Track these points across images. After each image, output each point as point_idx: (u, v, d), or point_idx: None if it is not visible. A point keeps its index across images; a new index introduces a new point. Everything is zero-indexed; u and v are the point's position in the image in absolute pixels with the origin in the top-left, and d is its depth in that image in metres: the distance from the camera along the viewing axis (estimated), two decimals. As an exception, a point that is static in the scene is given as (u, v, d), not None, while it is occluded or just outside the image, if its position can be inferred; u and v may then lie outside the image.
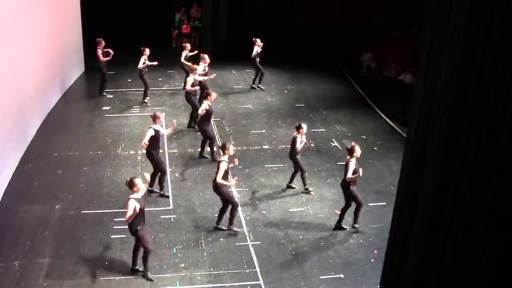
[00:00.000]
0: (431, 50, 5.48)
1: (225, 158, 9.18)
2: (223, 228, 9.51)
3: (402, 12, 20.77)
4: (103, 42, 15.43)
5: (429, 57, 5.50)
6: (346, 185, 9.34)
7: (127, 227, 8.44)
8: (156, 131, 10.28)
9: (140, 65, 14.67)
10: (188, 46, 16.18)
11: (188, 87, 13.17)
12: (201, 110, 11.67)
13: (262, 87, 16.86)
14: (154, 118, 10.39)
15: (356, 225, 9.61)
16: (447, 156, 5.06)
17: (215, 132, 13.07)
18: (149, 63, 14.79)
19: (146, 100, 15.26)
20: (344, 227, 9.66)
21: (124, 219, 8.08)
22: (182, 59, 15.65)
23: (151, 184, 10.46)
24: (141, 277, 8.30)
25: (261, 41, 16.08)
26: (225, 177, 9.14)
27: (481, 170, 4.59)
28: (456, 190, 4.93)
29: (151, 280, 8.23)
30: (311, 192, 10.87)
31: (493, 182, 4.43)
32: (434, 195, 5.30)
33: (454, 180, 4.96)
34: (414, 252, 5.75)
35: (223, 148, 9.32)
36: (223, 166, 9.08)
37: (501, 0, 4.28)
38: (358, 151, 9.30)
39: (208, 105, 11.77)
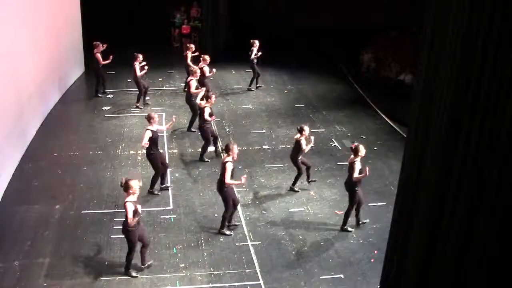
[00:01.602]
0: (431, 50, 5.48)
1: (229, 158, 9.15)
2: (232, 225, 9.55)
3: (402, 12, 20.76)
4: (101, 45, 15.43)
5: (429, 57, 5.51)
6: (353, 185, 9.33)
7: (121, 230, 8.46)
8: (153, 132, 10.28)
9: (139, 73, 14.52)
10: (193, 47, 16.18)
11: (193, 90, 13.08)
12: (207, 115, 11.65)
13: (260, 86, 16.83)
14: (149, 119, 10.39)
15: (345, 227, 9.65)
16: (447, 156, 5.06)
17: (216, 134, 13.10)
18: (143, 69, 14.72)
19: (147, 100, 15.25)
20: (350, 229, 9.66)
21: (123, 220, 8.12)
22: (188, 61, 15.59)
23: (162, 182, 10.74)
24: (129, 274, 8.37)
25: (260, 41, 16.08)
26: (231, 177, 9.14)
27: (481, 170, 4.59)
28: (456, 190, 4.93)
29: (135, 276, 8.29)
30: (311, 192, 10.89)
31: (493, 182, 4.43)
32: (434, 195, 5.30)
33: (454, 180, 4.96)
34: (414, 252, 5.75)
35: (227, 149, 9.29)
36: (230, 166, 9.05)
37: (501, 0, 4.28)
38: (362, 151, 9.30)
39: (210, 108, 11.78)
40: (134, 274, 8.33)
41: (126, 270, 8.34)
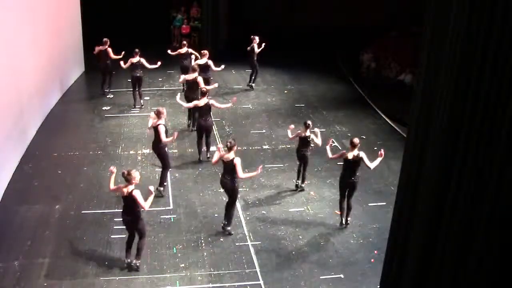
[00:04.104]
0: (431, 50, 5.48)
1: (233, 154, 9.12)
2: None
3: (402, 12, 20.76)
4: (109, 42, 15.46)
5: (429, 57, 5.51)
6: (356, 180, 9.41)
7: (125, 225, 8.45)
8: (165, 126, 10.29)
9: (150, 66, 14.56)
10: (185, 43, 16.20)
11: (202, 85, 13.01)
12: (220, 104, 11.77)
13: (251, 88, 16.88)
14: (159, 114, 10.30)
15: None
16: (447, 156, 5.06)
17: (214, 135, 13.09)
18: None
19: (142, 102, 15.24)
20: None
21: (124, 218, 8.20)
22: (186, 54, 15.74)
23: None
24: (132, 266, 8.43)
25: (260, 40, 16.13)
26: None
27: (481, 170, 4.59)
28: (456, 190, 4.93)
29: (136, 270, 8.35)
30: (311, 193, 10.89)
31: (493, 182, 4.43)
32: (434, 195, 5.30)
33: (454, 180, 4.96)
34: (414, 252, 5.75)
35: (230, 147, 9.27)
36: (239, 161, 9.04)
37: (501, 0, 4.28)
38: (357, 141, 9.39)
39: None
40: (137, 265, 8.42)
41: (135, 262, 8.41)
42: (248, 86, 16.93)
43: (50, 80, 14.80)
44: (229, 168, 9.14)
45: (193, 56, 15.71)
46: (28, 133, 12.74)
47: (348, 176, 9.42)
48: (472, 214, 4.71)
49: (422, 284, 5.60)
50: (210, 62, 14.60)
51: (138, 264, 8.41)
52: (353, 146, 9.29)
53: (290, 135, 10.63)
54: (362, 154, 9.24)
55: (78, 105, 15.63)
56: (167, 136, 10.24)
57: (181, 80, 13.96)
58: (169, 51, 15.96)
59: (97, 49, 15.39)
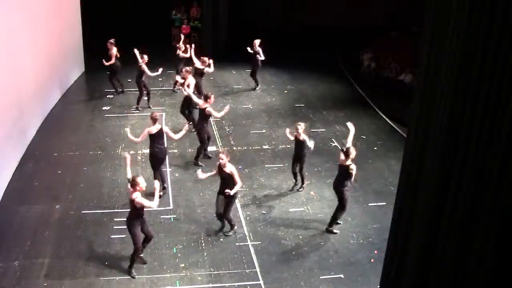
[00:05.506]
0: (431, 50, 5.48)
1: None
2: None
3: (402, 12, 20.77)
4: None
5: (429, 57, 5.51)
6: (344, 187, 9.28)
7: (126, 226, 8.45)
8: None
9: (150, 73, 14.48)
10: (182, 46, 16.18)
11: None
12: (221, 113, 11.70)
13: (257, 88, 16.92)
14: (155, 119, 10.34)
15: (331, 228, 9.56)
16: (447, 156, 5.06)
17: (214, 135, 13.10)
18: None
19: (150, 105, 15.12)
20: (335, 231, 9.59)
21: (123, 219, 8.20)
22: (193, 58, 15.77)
23: (163, 180, 10.70)
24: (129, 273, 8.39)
25: (261, 41, 16.18)
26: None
27: (481, 170, 4.59)
28: (456, 190, 4.93)
29: (133, 277, 8.29)
30: (311, 192, 10.90)
31: (493, 182, 4.43)
32: (434, 195, 5.31)
33: (454, 180, 4.96)
34: (414, 252, 5.75)
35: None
36: (234, 169, 9.11)
37: (501, 0, 4.28)
38: (353, 153, 9.24)
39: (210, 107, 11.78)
40: (133, 274, 8.34)
41: (130, 270, 8.38)
42: (256, 88, 16.85)
43: (50, 80, 14.80)
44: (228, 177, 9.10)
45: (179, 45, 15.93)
46: (28, 133, 12.74)
47: (336, 180, 9.38)
48: (472, 214, 4.71)
49: (422, 284, 5.60)
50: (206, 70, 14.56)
51: (131, 275, 8.37)
52: (345, 154, 9.19)
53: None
54: (353, 167, 9.03)
55: (78, 105, 15.63)
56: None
57: (189, 91, 13.11)
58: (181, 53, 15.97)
59: (111, 53, 15.32)
